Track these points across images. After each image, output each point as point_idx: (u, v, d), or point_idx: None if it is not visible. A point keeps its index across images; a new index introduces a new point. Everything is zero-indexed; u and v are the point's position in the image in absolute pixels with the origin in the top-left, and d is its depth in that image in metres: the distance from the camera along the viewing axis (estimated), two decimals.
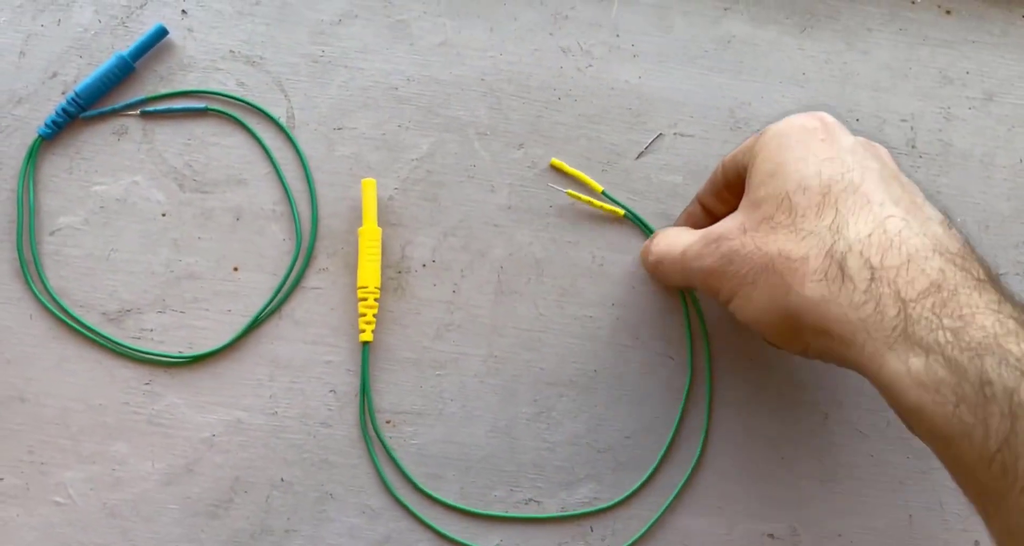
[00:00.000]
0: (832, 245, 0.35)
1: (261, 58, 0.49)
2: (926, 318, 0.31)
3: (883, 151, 0.40)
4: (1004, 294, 0.32)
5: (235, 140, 0.48)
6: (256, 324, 0.46)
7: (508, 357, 0.47)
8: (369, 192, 0.46)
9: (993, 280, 0.33)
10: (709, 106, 0.50)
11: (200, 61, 0.49)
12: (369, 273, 0.45)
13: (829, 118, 0.39)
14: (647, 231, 0.48)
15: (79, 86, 0.47)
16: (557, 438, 0.47)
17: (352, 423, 0.46)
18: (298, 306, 0.47)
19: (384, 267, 0.47)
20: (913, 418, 0.32)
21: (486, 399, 0.47)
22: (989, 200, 0.49)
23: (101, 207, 0.47)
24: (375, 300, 0.46)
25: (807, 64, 0.50)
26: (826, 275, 0.34)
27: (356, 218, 0.47)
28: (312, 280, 0.47)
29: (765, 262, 0.36)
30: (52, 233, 0.47)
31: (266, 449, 0.45)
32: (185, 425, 0.45)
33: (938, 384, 0.30)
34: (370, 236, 0.46)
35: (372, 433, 0.46)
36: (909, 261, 0.33)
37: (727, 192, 0.43)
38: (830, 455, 0.47)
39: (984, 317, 0.31)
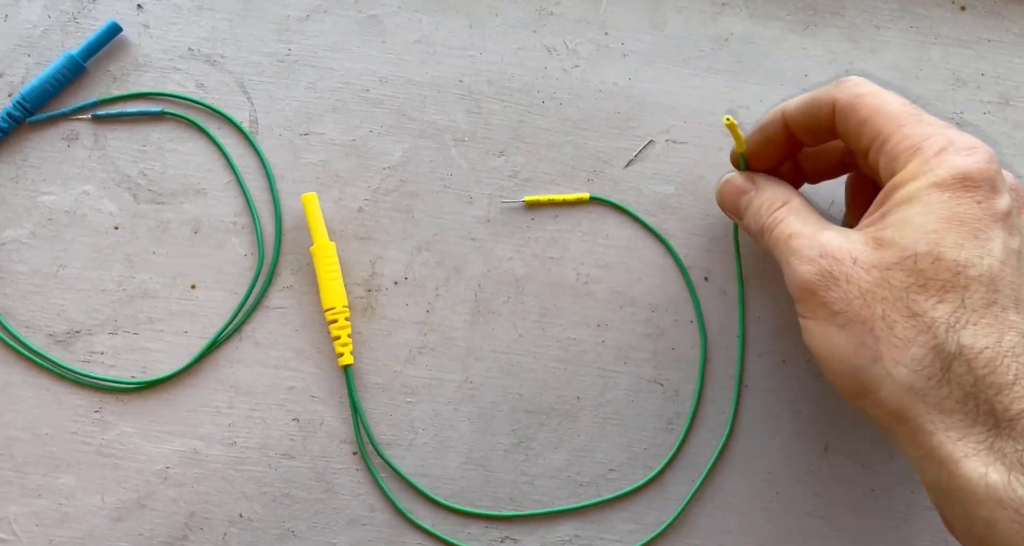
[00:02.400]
0: (942, 343, 0.31)
1: (222, 57, 0.43)
2: (1012, 440, 0.30)
3: None
4: None
5: (193, 146, 0.43)
6: (214, 346, 0.41)
7: (485, 383, 0.42)
8: (312, 207, 0.41)
9: None
10: (704, 110, 0.44)
11: (156, 60, 0.43)
12: (333, 293, 0.40)
13: (994, 165, 0.33)
14: (624, 211, 0.43)
15: (25, 88, 0.42)
16: (536, 470, 0.42)
17: (317, 454, 0.41)
18: (260, 327, 0.42)
19: (353, 285, 0.42)
20: (980, 527, 0.30)
21: (460, 428, 0.42)
22: None
23: (49, 219, 0.42)
24: (346, 320, 0.40)
25: (810, 64, 0.45)
26: (925, 367, 0.31)
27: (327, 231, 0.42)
28: (275, 299, 0.42)
29: (866, 317, 0.32)
30: None
31: (224, 482, 0.40)
32: (137, 456, 0.40)
33: (1019, 505, 0.29)
34: (325, 253, 0.41)
35: (377, 459, 0.41)
36: (1015, 382, 0.30)
37: (829, 136, 0.38)
38: (830, 489, 0.42)
39: None
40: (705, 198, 0.44)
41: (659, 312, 0.43)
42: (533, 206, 0.43)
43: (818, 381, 0.43)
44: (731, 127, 0.37)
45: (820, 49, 0.45)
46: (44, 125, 0.43)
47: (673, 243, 0.43)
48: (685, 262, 0.43)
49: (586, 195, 0.44)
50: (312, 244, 0.41)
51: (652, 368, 0.43)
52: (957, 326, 0.31)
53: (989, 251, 0.32)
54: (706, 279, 0.43)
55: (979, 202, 0.32)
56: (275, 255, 0.42)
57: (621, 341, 0.43)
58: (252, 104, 0.44)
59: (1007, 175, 0.35)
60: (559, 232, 0.43)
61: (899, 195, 0.33)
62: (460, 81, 0.44)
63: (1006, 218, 0.32)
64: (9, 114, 0.42)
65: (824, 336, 0.34)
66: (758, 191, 0.39)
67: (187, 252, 0.42)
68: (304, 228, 0.42)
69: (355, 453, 0.41)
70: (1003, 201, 0.32)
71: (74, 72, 0.43)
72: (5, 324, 0.41)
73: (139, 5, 0.44)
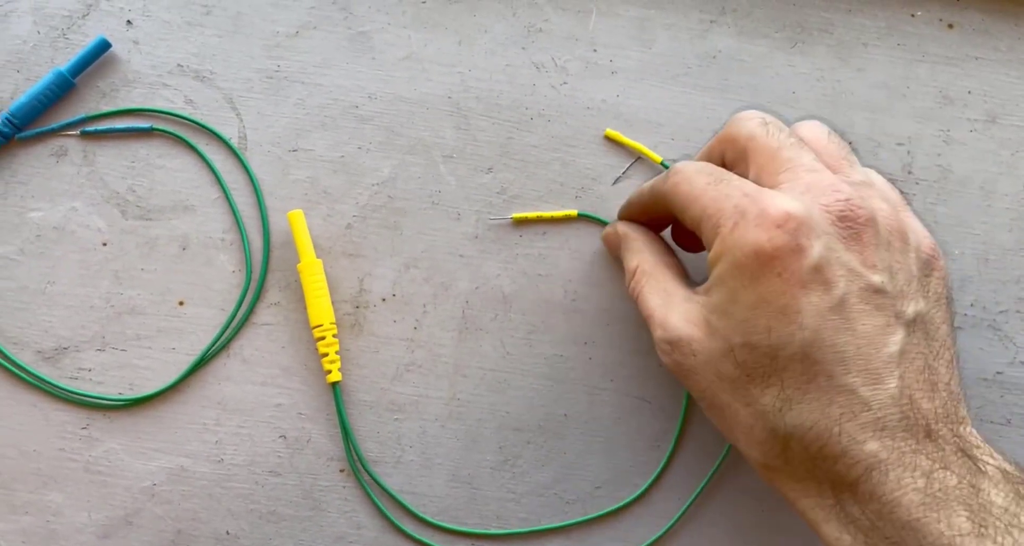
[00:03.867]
0: (776, 427, 0.31)
1: (211, 73, 0.42)
2: (858, 504, 0.30)
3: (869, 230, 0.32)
4: (941, 456, 0.30)
5: (182, 162, 0.42)
6: (202, 363, 0.40)
7: (472, 400, 0.41)
8: (299, 225, 0.41)
9: (935, 439, 0.30)
10: (692, 127, 0.43)
11: (145, 76, 0.42)
12: (321, 310, 0.40)
13: (790, 223, 0.30)
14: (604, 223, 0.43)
15: (14, 104, 0.41)
16: (523, 488, 0.41)
17: (304, 472, 0.40)
18: (247, 344, 0.41)
19: (340, 302, 0.41)
20: None
21: (447, 445, 0.41)
22: (989, 231, 0.43)
23: (37, 235, 0.41)
24: (333, 337, 0.39)
25: (797, 82, 0.44)
26: (770, 448, 0.32)
27: (312, 248, 0.41)
28: (263, 315, 0.41)
29: (718, 404, 0.33)
30: None
31: (211, 500, 0.39)
32: (124, 473, 0.39)
33: None
34: (312, 271, 0.40)
35: (365, 476, 0.40)
36: (844, 453, 0.30)
37: None
38: None
39: (909, 496, 0.29)
40: None
41: (646, 329, 0.42)
42: (521, 223, 0.43)
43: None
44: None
45: (808, 67, 0.44)
46: (33, 141, 0.42)
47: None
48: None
49: (574, 212, 0.43)
50: (299, 261, 0.41)
51: (639, 385, 0.42)
52: (783, 409, 0.31)
53: (800, 325, 0.30)
54: None
55: (779, 274, 0.30)
56: (263, 272, 0.42)
57: (608, 358, 0.42)
58: (241, 120, 0.43)
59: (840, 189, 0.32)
60: (547, 249, 0.42)
61: (713, 276, 0.33)
62: (449, 98, 0.43)
63: (814, 275, 0.30)
64: None
65: (707, 416, 0.35)
66: (624, 250, 0.39)
67: (175, 268, 0.41)
68: (292, 245, 0.42)
69: (342, 470, 0.41)
70: (808, 258, 0.30)
71: (63, 88, 0.42)
72: None
73: (129, 21, 0.43)
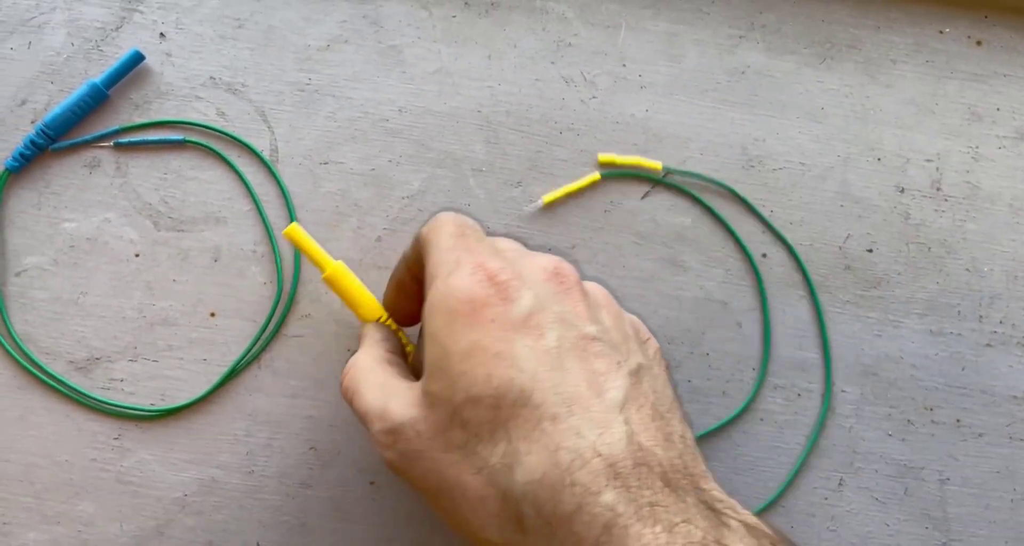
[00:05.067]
0: (507, 489, 0.28)
1: (243, 86, 0.42)
2: None
3: (576, 291, 0.32)
4: (683, 508, 0.26)
5: (214, 174, 0.41)
6: (233, 375, 0.40)
7: None
8: (301, 238, 0.38)
9: (676, 491, 0.27)
10: (720, 143, 0.43)
11: (178, 89, 0.42)
12: (370, 305, 0.38)
13: (502, 275, 0.30)
14: (643, 177, 0.41)
15: (48, 116, 0.41)
16: None
17: (335, 484, 0.40)
18: (278, 355, 0.40)
19: None
20: None
21: None
22: (1019, 248, 0.43)
23: (71, 246, 0.41)
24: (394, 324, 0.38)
25: (826, 98, 0.43)
26: (505, 521, 0.28)
27: (342, 260, 0.41)
28: (294, 327, 0.41)
29: (444, 487, 0.30)
30: (18, 274, 0.40)
31: (241, 511, 0.39)
32: (156, 484, 0.39)
33: None
34: (340, 273, 0.38)
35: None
36: (580, 507, 0.26)
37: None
38: (844, 524, 0.40)
39: None
40: (722, 231, 0.42)
41: (675, 344, 0.42)
42: (552, 238, 0.42)
43: (835, 415, 0.42)
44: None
45: (836, 83, 0.44)
46: (66, 152, 0.42)
47: (689, 276, 0.42)
48: (701, 294, 0.42)
49: (597, 176, 0.43)
50: (323, 272, 0.39)
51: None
52: (513, 465, 0.28)
53: (519, 368, 0.28)
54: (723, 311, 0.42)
55: (492, 320, 0.29)
56: (294, 284, 0.41)
57: None
58: (272, 133, 0.42)
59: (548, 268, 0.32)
60: (574, 264, 0.42)
61: (427, 331, 0.31)
62: (479, 112, 0.43)
63: (528, 320, 0.29)
64: (32, 141, 0.41)
65: (434, 511, 0.32)
66: (358, 348, 0.36)
67: (207, 280, 0.41)
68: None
69: (372, 482, 0.40)
70: (521, 304, 0.30)
71: (97, 100, 0.42)
72: (26, 351, 0.40)
73: (162, 34, 0.43)
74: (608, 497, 0.26)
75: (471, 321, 0.29)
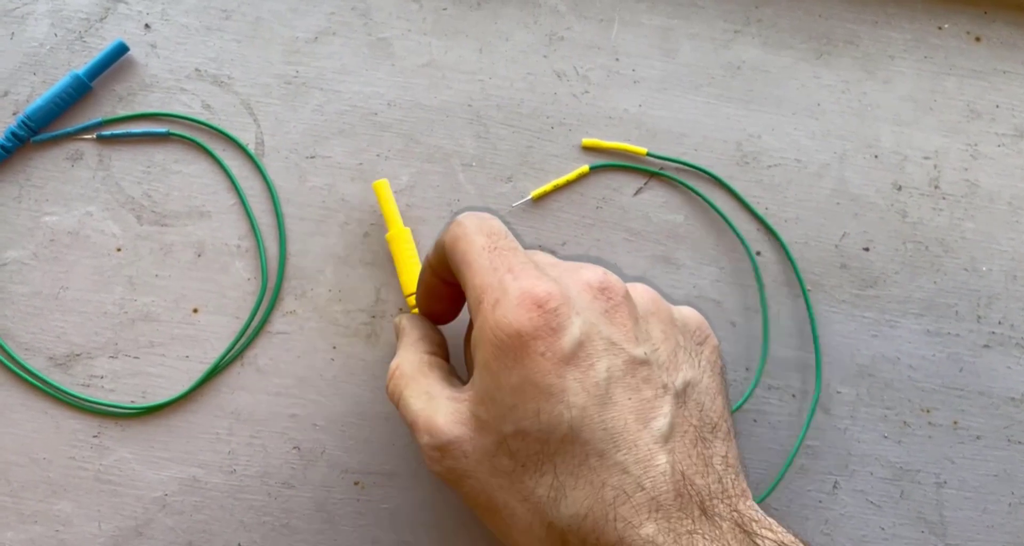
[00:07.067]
0: (552, 520, 0.28)
1: (229, 78, 0.41)
2: None
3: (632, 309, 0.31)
4: (718, 534, 0.28)
5: (198, 168, 0.40)
6: (216, 372, 0.39)
7: None
8: (385, 194, 0.39)
9: (711, 517, 0.28)
10: (715, 138, 0.41)
11: (163, 80, 0.41)
12: (416, 278, 0.39)
13: (550, 302, 0.29)
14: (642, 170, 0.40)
15: (30, 107, 0.40)
16: None
17: (318, 484, 0.38)
18: (262, 353, 0.39)
19: (356, 311, 0.39)
20: None
21: None
22: (1018, 247, 0.41)
23: (51, 240, 0.39)
24: None
25: (823, 94, 0.42)
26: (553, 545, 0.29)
27: (328, 256, 0.40)
28: (278, 324, 0.39)
29: (493, 507, 0.30)
30: None
31: (222, 511, 0.38)
32: (136, 483, 0.38)
33: None
34: (403, 239, 0.39)
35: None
36: (621, 540, 0.27)
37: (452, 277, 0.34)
38: (838, 527, 0.39)
39: None
40: (715, 228, 0.41)
41: None
42: (542, 234, 0.41)
43: (830, 417, 0.40)
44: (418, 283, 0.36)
45: (833, 78, 0.43)
46: (48, 144, 0.40)
47: (682, 273, 0.41)
48: (694, 292, 0.41)
49: (586, 167, 0.42)
50: (387, 231, 0.39)
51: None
52: (558, 499, 0.28)
53: (568, 404, 0.28)
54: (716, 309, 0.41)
55: (542, 354, 0.28)
56: (279, 280, 0.40)
57: None
58: (258, 126, 0.41)
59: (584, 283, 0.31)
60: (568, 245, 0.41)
61: (477, 362, 0.30)
62: (469, 106, 0.42)
63: (577, 352, 0.29)
64: (13, 133, 0.40)
65: (483, 524, 0.32)
66: (397, 345, 0.36)
67: (190, 275, 0.40)
68: (308, 252, 0.40)
69: (357, 483, 0.39)
70: (571, 334, 0.29)
71: (80, 91, 0.41)
72: (4, 346, 0.39)
73: (147, 25, 0.41)
74: (649, 529, 0.27)
75: (521, 355, 0.28)
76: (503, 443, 0.29)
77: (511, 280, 0.29)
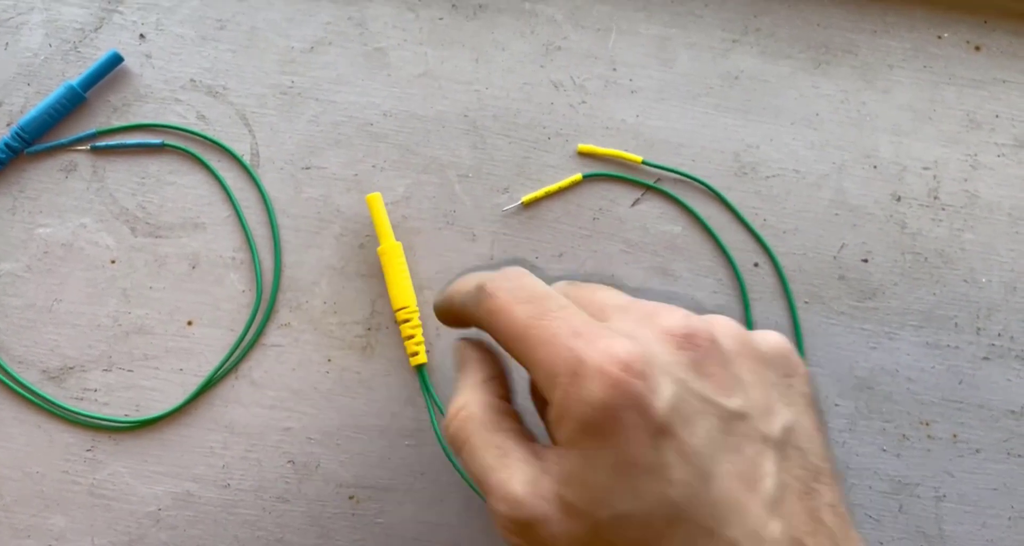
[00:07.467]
0: None
1: (224, 88, 0.40)
2: None
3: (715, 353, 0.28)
4: None
5: (193, 179, 0.40)
6: (210, 385, 0.38)
7: None
8: (377, 207, 0.39)
9: None
10: (713, 149, 0.41)
11: (158, 91, 0.40)
12: (404, 292, 0.39)
13: (635, 364, 0.25)
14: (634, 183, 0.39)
15: (24, 118, 0.39)
16: None
17: (313, 498, 0.38)
18: (256, 365, 0.38)
19: (352, 323, 0.39)
20: None
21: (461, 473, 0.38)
22: (1018, 258, 0.41)
23: (45, 252, 0.39)
24: (419, 319, 0.39)
25: (821, 103, 0.41)
26: None
27: (323, 267, 0.39)
28: (273, 337, 0.39)
29: None
30: None
31: (216, 526, 0.37)
32: (129, 497, 0.37)
33: None
34: (394, 253, 0.39)
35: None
36: None
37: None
38: None
39: None
40: (713, 240, 0.41)
41: None
42: (538, 245, 0.40)
43: (828, 430, 0.40)
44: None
45: (832, 88, 0.42)
46: (42, 156, 0.40)
47: (680, 285, 0.40)
48: (691, 305, 0.40)
49: (579, 176, 0.41)
50: (379, 245, 0.39)
51: None
52: None
53: (670, 480, 0.25)
54: None
55: (635, 426, 0.25)
56: (273, 292, 0.39)
57: None
58: (253, 137, 0.41)
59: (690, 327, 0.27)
60: (563, 271, 0.40)
61: (561, 436, 0.26)
62: (465, 116, 0.41)
63: (672, 418, 0.25)
64: (7, 144, 0.40)
65: None
66: (459, 374, 0.32)
67: (184, 288, 0.39)
68: (304, 264, 0.40)
69: (351, 497, 0.38)
70: (661, 399, 0.25)
71: (74, 102, 0.40)
72: None
73: (141, 35, 0.41)
74: None
75: (612, 431, 0.25)
76: (598, 532, 0.26)
77: (583, 346, 0.26)
